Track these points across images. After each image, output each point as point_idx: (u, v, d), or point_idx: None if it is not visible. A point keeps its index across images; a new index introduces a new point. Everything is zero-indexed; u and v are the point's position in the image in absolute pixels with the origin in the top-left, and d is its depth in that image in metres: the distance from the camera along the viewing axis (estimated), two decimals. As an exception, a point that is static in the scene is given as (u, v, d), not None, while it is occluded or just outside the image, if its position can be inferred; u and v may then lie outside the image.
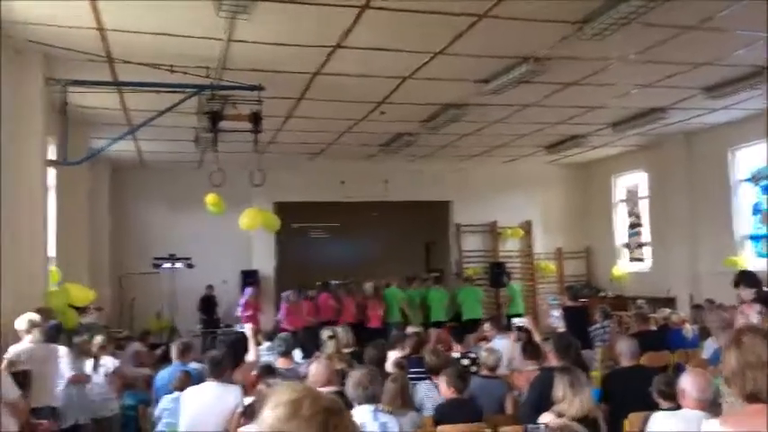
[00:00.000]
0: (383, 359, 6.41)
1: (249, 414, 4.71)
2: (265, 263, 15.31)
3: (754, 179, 12.10)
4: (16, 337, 5.82)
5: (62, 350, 6.11)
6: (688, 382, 4.06)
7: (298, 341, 8.31)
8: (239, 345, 6.92)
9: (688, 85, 9.51)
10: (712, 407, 3.98)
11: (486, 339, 8.27)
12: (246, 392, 5.37)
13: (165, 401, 5.77)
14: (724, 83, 9.41)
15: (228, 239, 14.17)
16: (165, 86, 7.88)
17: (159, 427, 5.66)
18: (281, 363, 6.44)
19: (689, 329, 8.62)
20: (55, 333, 6.14)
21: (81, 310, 8.54)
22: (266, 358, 6.86)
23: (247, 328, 7.04)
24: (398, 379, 4.87)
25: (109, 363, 6.83)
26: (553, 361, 5.37)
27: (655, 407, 4.41)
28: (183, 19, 6.57)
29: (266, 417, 1.63)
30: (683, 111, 11.11)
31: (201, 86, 7.91)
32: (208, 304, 14.45)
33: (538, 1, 6.31)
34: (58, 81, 7.64)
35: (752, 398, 2.17)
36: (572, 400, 4.21)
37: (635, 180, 15.75)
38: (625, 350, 5.63)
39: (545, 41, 7.44)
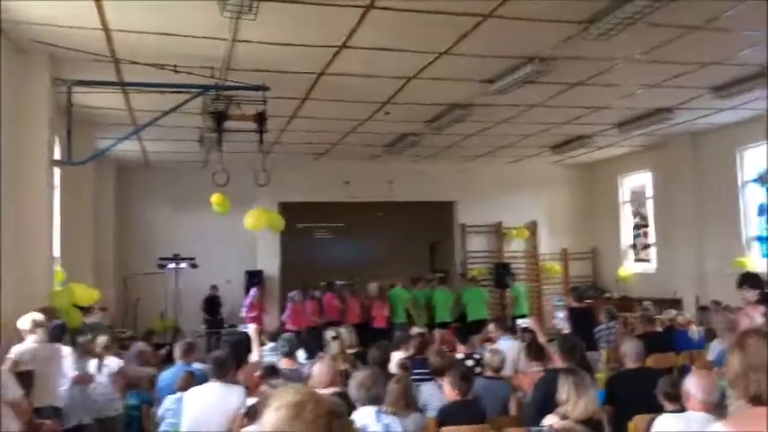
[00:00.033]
0: (387, 360, 6.40)
1: (252, 415, 4.69)
2: (270, 263, 15.32)
3: (761, 180, 12.01)
4: (20, 337, 5.83)
5: (65, 350, 6.12)
6: (693, 384, 4.03)
7: (301, 342, 8.29)
8: (243, 345, 6.92)
9: (694, 84, 9.46)
10: (718, 409, 3.95)
11: (490, 340, 8.24)
12: (250, 393, 5.36)
13: (169, 401, 5.76)
14: (731, 82, 9.36)
15: (233, 239, 14.19)
16: (169, 87, 7.89)
17: (162, 427, 5.65)
18: (284, 363, 6.42)
19: (695, 331, 8.58)
20: (59, 333, 6.15)
21: (85, 310, 8.55)
22: (269, 359, 6.85)
23: (251, 329, 7.03)
24: (402, 380, 4.85)
25: (112, 363, 6.82)
26: (558, 362, 5.35)
27: (660, 409, 4.37)
28: (187, 19, 6.57)
29: (268, 419, 1.64)
30: (689, 111, 11.06)
31: (206, 87, 7.92)
32: (212, 305, 14.45)
33: (543, 1, 6.28)
34: (63, 81, 7.66)
35: (755, 400, 2.14)
36: (576, 401, 4.18)
37: (641, 180, 15.69)
38: (630, 352, 5.59)
39: (550, 41, 7.42)
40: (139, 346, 9.03)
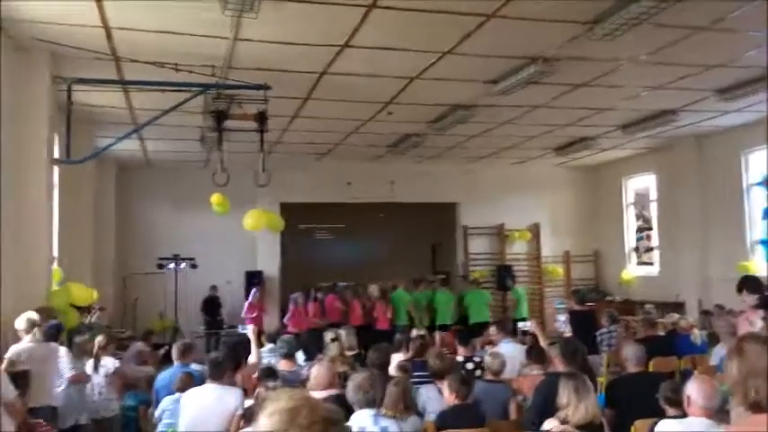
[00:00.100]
0: (387, 362, 6.34)
1: (249, 417, 4.65)
2: (270, 264, 15.27)
3: (766, 183, 11.94)
4: (16, 337, 5.79)
5: (62, 350, 6.09)
6: (694, 390, 3.97)
7: (301, 343, 8.25)
8: (241, 346, 6.87)
9: (700, 86, 9.41)
10: (719, 414, 3.89)
11: (491, 343, 8.18)
12: (248, 395, 5.32)
13: (166, 402, 5.74)
14: (736, 85, 9.31)
15: (233, 240, 14.16)
16: (170, 85, 7.86)
17: (159, 427, 5.64)
18: (283, 365, 6.39)
19: (697, 335, 8.50)
20: (55, 332, 6.10)
21: (84, 310, 8.51)
22: (268, 360, 6.81)
23: (249, 330, 6.99)
24: (401, 383, 4.80)
25: (109, 363, 6.78)
26: (559, 366, 5.29)
27: (661, 414, 4.32)
28: (188, 17, 6.53)
29: (263, 423, 1.63)
30: (694, 113, 11.00)
31: (207, 85, 7.87)
32: (211, 305, 14.40)
33: (547, 1, 6.23)
34: (63, 79, 7.62)
35: (755, 407, 2.11)
36: (577, 406, 4.13)
37: (645, 183, 15.63)
38: (631, 355, 5.52)
39: (554, 42, 7.36)
40: (138, 346, 8.99)
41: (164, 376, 6.40)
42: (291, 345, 6.76)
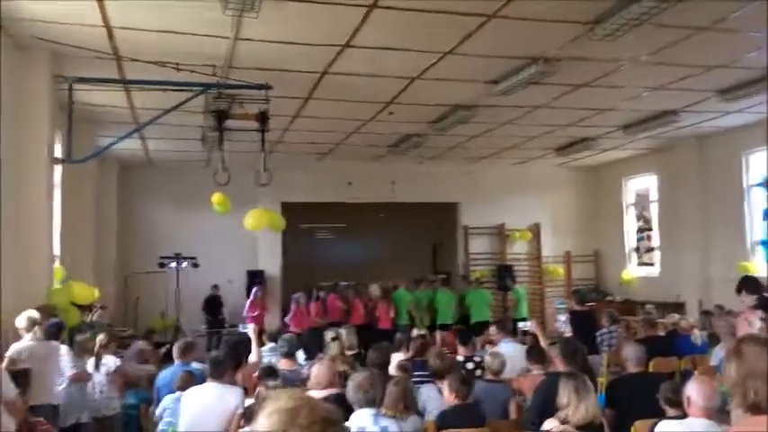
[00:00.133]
0: (387, 362, 6.34)
1: (249, 416, 4.66)
2: (271, 263, 15.27)
3: (767, 184, 11.94)
4: (17, 335, 5.80)
5: (63, 348, 6.10)
6: (694, 390, 3.97)
7: (302, 342, 8.25)
8: (242, 346, 6.88)
9: (701, 87, 9.40)
10: (719, 415, 3.89)
11: (492, 343, 8.18)
12: (248, 394, 5.33)
13: (167, 400, 5.75)
14: (737, 85, 9.30)
15: (234, 239, 14.16)
16: (171, 84, 7.87)
17: (160, 426, 5.63)
18: (283, 364, 6.39)
19: (698, 335, 8.50)
20: (56, 331, 6.11)
21: (85, 309, 8.52)
22: (269, 359, 6.81)
23: (250, 329, 6.99)
24: (401, 382, 4.80)
25: (111, 361, 6.79)
26: (560, 366, 5.29)
27: (661, 414, 4.32)
28: (189, 17, 6.54)
29: (262, 423, 1.62)
30: (695, 114, 11.00)
31: (208, 85, 7.89)
32: (213, 304, 14.41)
33: (548, 1, 6.23)
34: (64, 78, 7.64)
35: (754, 409, 2.11)
36: (577, 406, 4.14)
37: (645, 183, 15.63)
38: (631, 356, 5.52)
39: (555, 42, 7.36)
40: (139, 344, 9.01)
41: (165, 375, 6.41)
42: (292, 344, 6.76)
